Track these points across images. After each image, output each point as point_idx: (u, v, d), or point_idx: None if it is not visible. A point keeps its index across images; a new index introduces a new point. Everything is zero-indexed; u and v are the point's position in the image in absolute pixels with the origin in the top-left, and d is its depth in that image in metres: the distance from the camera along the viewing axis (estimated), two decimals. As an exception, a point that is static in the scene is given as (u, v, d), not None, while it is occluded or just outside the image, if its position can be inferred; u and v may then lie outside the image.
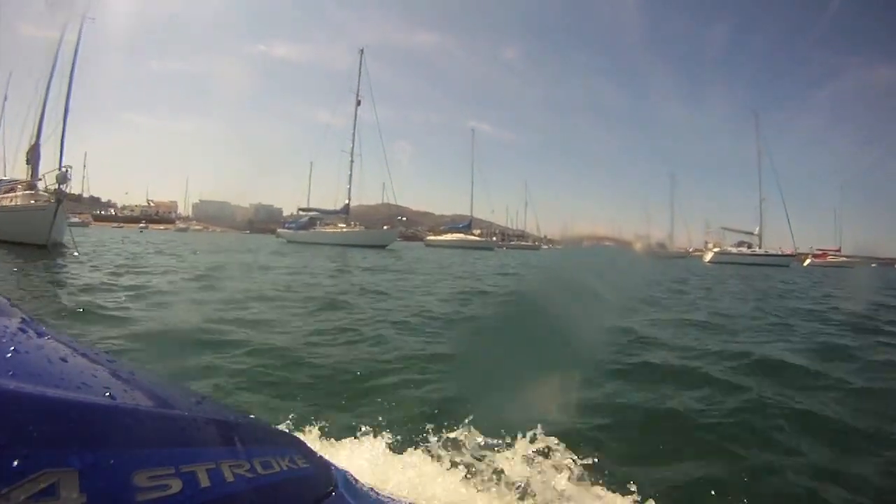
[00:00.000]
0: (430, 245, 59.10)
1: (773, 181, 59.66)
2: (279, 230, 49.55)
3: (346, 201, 45.91)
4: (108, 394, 0.65)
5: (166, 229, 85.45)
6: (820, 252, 57.43)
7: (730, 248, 53.36)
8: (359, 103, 46.29)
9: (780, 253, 51.96)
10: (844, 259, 55.50)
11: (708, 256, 52.31)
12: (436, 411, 2.99)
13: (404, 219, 46.79)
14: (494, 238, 67.92)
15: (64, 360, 0.71)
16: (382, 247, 40.68)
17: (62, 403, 0.56)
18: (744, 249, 53.36)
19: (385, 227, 45.28)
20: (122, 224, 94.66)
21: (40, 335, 0.76)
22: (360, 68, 46.91)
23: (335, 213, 46.50)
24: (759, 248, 53.70)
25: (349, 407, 3.21)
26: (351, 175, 45.78)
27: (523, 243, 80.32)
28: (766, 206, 55.41)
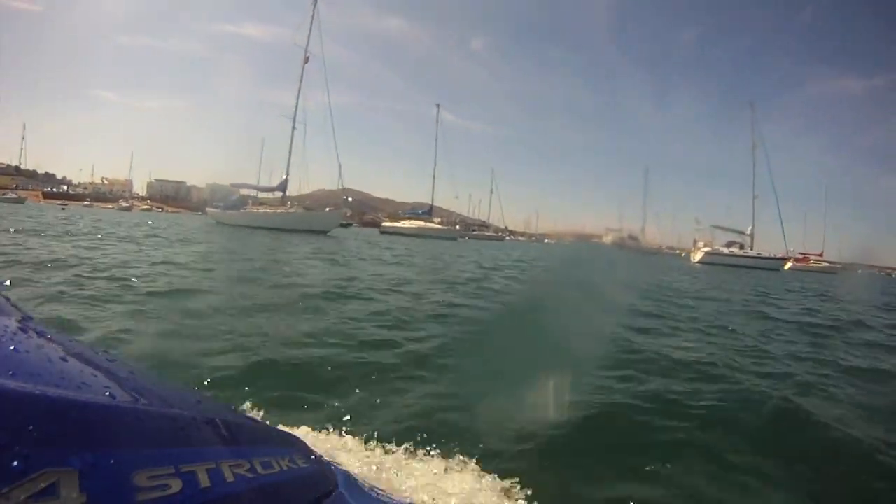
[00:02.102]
0: (385, 232, 52.79)
1: (767, 177, 54.52)
2: (208, 209, 42.21)
3: (284, 176, 38.54)
4: (107, 393, 0.65)
5: (113, 208, 79.60)
6: (801, 256, 53.64)
7: (721, 249, 48.38)
8: (307, 60, 38.94)
9: (772, 256, 47.88)
10: (826, 264, 52.88)
11: (698, 256, 47.74)
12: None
13: (350, 199, 39.44)
14: (457, 226, 61.62)
15: (64, 359, 0.70)
16: (323, 232, 34.16)
17: (62, 403, 0.56)
18: (735, 250, 48.79)
19: (327, 209, 38.04)
20: (66, 202, 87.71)
21: (40, 335, 0.76)
22: (311, 20, 39.32)
23: (270, 189, 39.31)
24: (751, 248, 49.53)
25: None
26: (292, 144, 38.38)
27: (487, 234, 75.78)
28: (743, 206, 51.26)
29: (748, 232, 51.18)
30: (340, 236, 32.64)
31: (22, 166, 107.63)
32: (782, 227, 52.43)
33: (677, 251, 52.47)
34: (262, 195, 40.03)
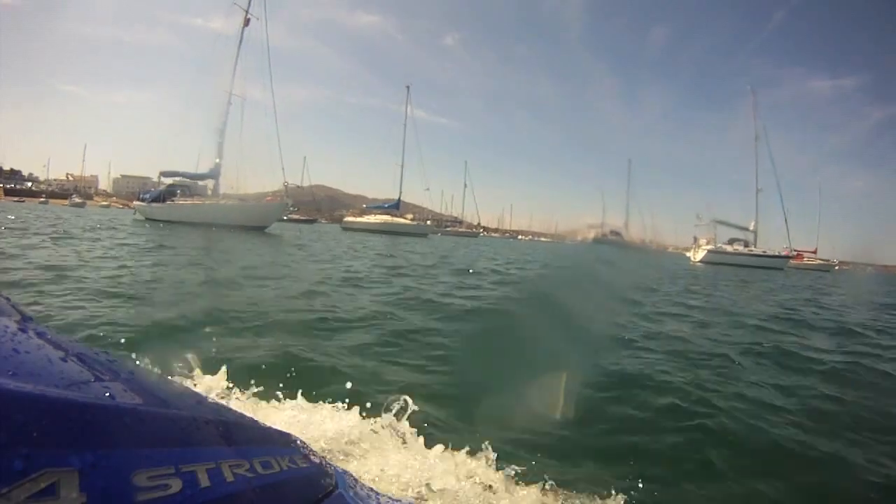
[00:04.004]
0: (348, 228, 47.46)
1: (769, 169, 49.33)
2: (135, 203, 36.32)
3: (217, 160, 32.51)
4: (107, 393, 0.65)
5: (66, 204, 75.92)
6: (796, 253, 48.75)
7: (724, 246, 43.48)
8: (247, 23, 32.90)
9: (778, 254, 43.67)
10: (821, 262, 49.43)
11: (699, 255, 42.89)
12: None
13: (292, 185, 33.14)
14: (429, 222, 55.70)
15: (64, 359, 0.70)
16: (261, 228, 28.61)
17: (62, 403, 0.56)
18: (739, 248, 44.17)
19: (267, 199, 32.16)
20: (23, 198, 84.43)
21: (40, 335, 0.76)
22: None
23: (201, 176, 33.38)
24: (755, 245, 44.99)
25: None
26: (226, 122, 32.31)
27: (460, 229, 71.14)
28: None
29: (751, 228, 46.36)
30: (281, 234, 27.11)
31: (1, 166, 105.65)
32: (786, 223, 47.86)
33: (652, 245, 47.97)
34: (218, 190, 33.83)
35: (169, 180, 33.75)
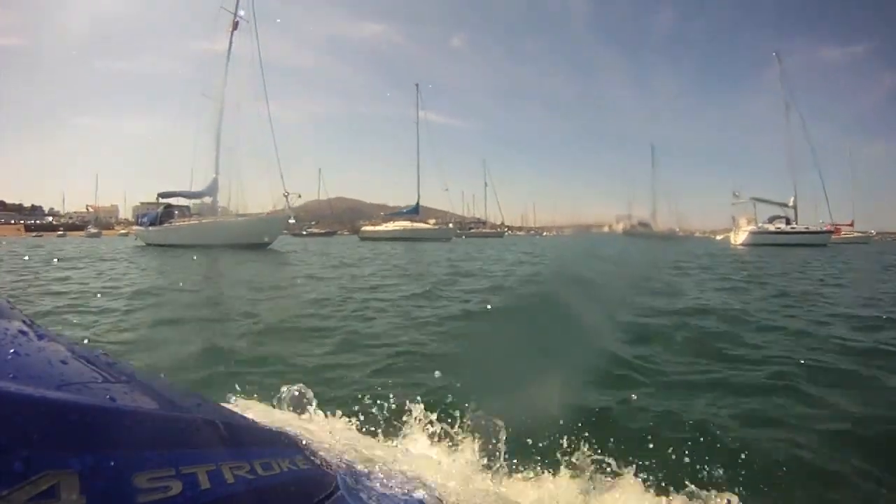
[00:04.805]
0: (366, 238, 45.47)
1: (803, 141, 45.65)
2: (134, 227, 34.69)
3: (214, 175, 30.33)
4: (108, 396, 0.65)
5: (82, 235, 75.63)
6: (834, 227, 45.27)
7: (766, 226, 40.13)
8: (235, 26, 30.64)
9: (821, 230, 40.36)
10: (859, 234, 46.42)
11: (741, 237, 39.25)
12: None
13: (295, 195, 30.47)
14: (451, 225, 52.86)
15: (64, 362, 0.71)
16: (263, 245, 26.47)
17: (63, 405, 0.56)
18: (782, 226, 40.94)
19: (266, 213, 29.72)
20: (41, 233, 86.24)
21: (41, 337, 0.77)
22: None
23: (198, 194, 31.36)
24: (796, 222, 41.67)
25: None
26: (219, 135, 30.28)
27: (484, 230, 68.97)
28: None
29: (791, 203, 42.96)
30: (282, 251, 24.92)
31: (7, 201, 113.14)
32: (825, 195, 44.87)
33: (679, 232, 45.51)
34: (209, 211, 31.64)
35: (168, 201, 31.79)
